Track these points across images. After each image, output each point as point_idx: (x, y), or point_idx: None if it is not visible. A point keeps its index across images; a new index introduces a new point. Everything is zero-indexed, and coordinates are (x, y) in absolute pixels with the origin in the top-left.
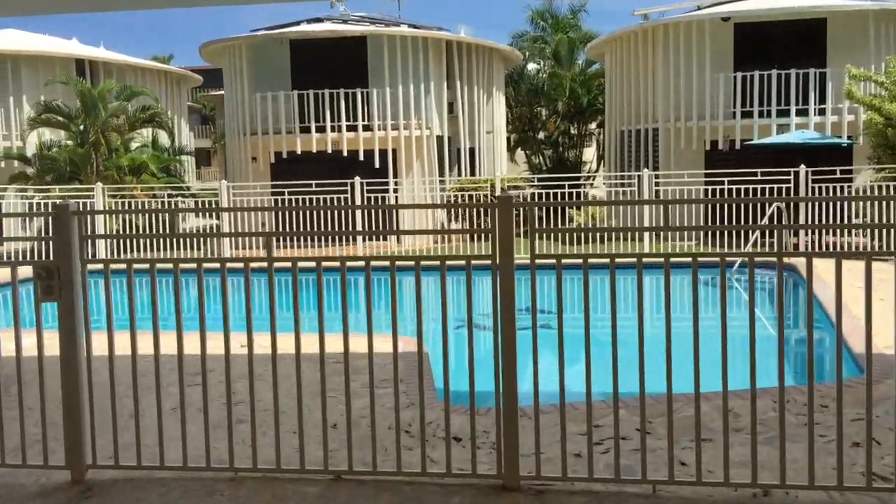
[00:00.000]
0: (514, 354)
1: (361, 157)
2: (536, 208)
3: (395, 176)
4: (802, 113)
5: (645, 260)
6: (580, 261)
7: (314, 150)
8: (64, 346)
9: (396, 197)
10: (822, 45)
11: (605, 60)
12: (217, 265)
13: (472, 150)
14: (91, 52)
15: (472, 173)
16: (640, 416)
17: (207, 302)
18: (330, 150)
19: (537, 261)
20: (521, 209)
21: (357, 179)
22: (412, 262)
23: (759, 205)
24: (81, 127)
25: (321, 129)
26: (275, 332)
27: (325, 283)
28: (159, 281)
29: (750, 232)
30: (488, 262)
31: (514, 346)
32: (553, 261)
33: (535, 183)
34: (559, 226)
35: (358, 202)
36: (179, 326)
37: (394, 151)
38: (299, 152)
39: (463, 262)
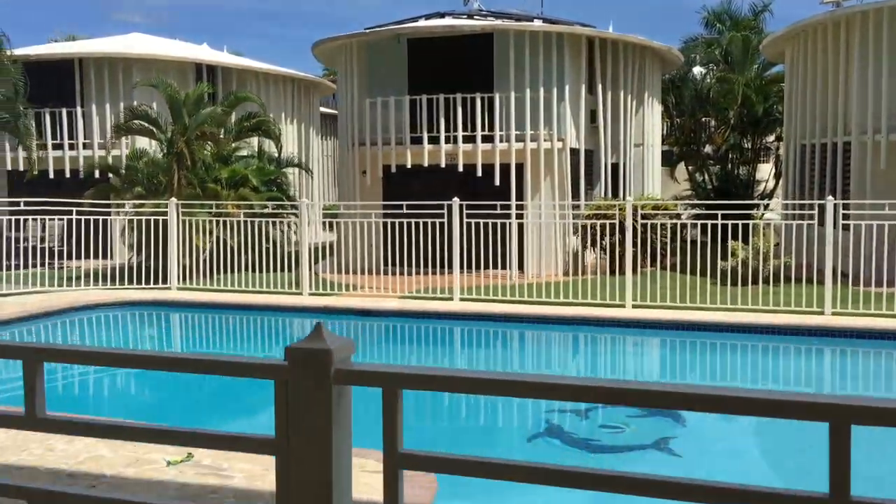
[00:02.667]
0: None
1: (479, 173)
2: (690, 239)
3: (520, 196)
4: None
5: None
6: None
7: (426, 164)
8: None
9: (520, 223)
10: None
11: (786, 60)
12: None
13: (614, 166)
14: (214, 56)
15: (615, 194)
16: None
17: None
18: (443, 164)
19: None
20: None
21: (455, 201)
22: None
23: None
24: (168, 135)
25: (434, 140)
26: None
27: None
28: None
29: None
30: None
31: None
32: None
33: (693, 202)
34: (718, 258)
35: (455, 228)
36: None
37: (518, 167)
38: (409, 166)
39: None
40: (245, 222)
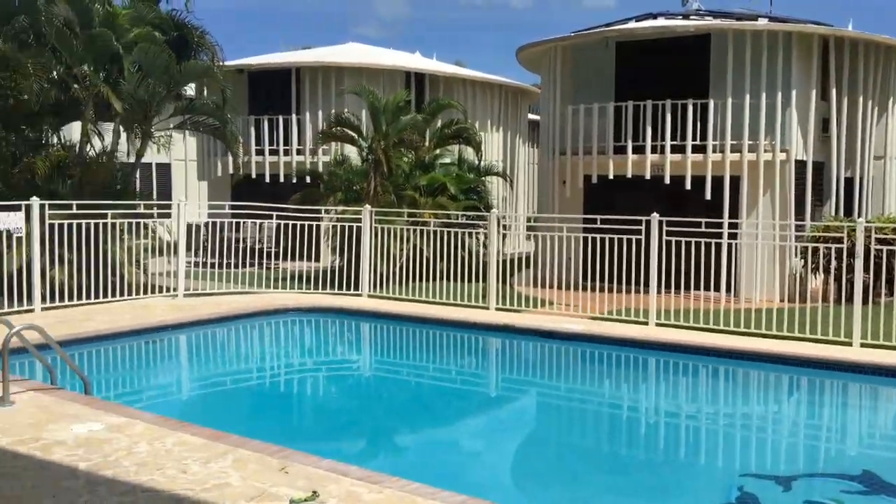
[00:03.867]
0: None
1: (688, 185)
2: None
3: (734, 212)
4: None
5: None
6: None
7: (629, 175)
8: None
9: (736, 244)
10: None
11: None
12: None
13: (848, 181)
14: (423, 64)
15: (848, 213)
16: None
17: None
18: (648, 176)
19: None
20: None
21: (654, 217)
22: None
23: None
24: (368, 142)
25: (639, 150)
26: None
27: None
28: None
29: None
30: None
31: None
32: None
33: None
34: None
35: (654, 246)
36: None
37: (733, 180)
38: (611, 177)
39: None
40: (440, 231)
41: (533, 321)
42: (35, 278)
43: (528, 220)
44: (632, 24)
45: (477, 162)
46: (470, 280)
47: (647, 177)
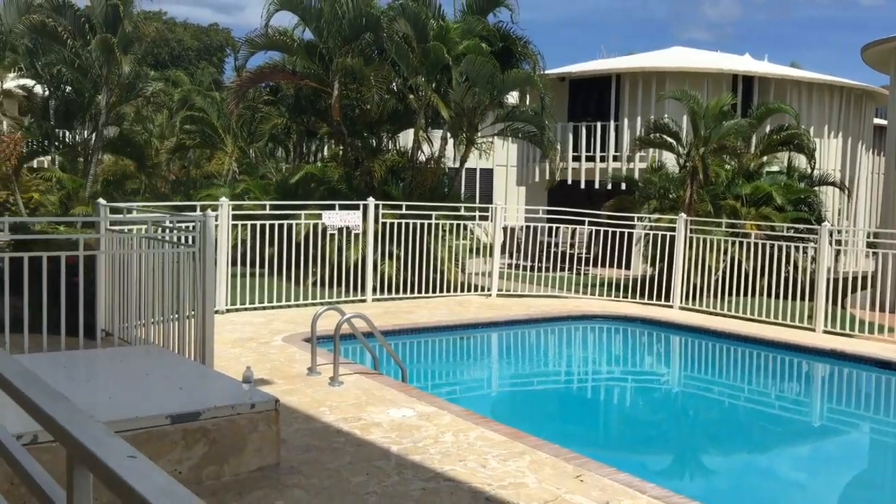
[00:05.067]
0: None
1: None
2: None
3: None
4: None
5: None
6: None
7: None
8: None
9: None
10: None
11: None
12: None
13: None
14: (751, 66)
15: None
16: None
17: None
18: None
19: None
20: None
21: None
22: None
23: None
24: (686, 149)
25: None
26: None
27: None
28: None
29: None
30: None
31: None
32: None
33: None
34: None
35: None
36: None
37: None
38: None
39: None
40: (763, 243)
41: (867, 348)
42: (368, 272)
43: (868, 235)
44: None
45: (809, 171)
46: (794, 299)
47: None
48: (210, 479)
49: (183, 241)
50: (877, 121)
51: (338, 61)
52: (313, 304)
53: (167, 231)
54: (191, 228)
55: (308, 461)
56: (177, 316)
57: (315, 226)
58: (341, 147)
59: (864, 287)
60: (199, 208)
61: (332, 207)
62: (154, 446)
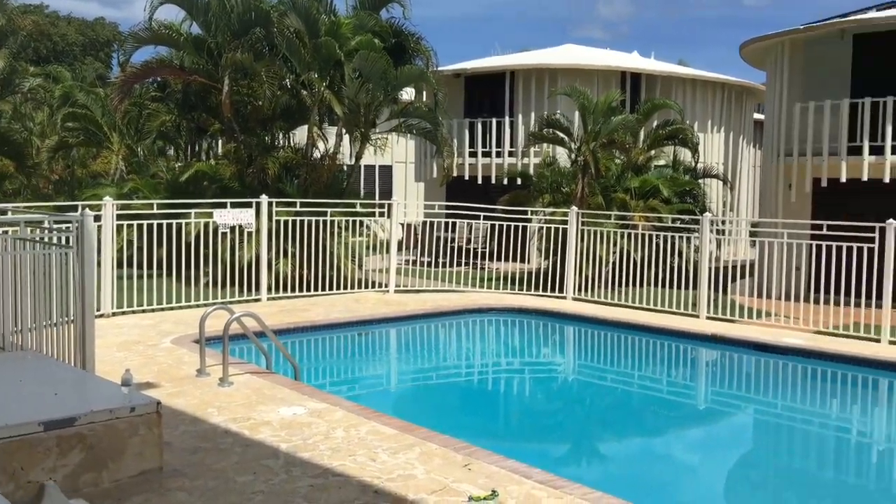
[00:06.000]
0: None
1: None
2: None
3: None
4: None
5: None
6: None
7: (864, 178)
8: None
9: None
10: None
11: None
12: None
13: None
14: (639, 64)
15: None
16: None
17: None
18: (887, 179)
19: None
20: None
21: (891, 223)
22: None
23: None
24: (577, 143)
25: (877, 151)
26: None
27: None
28: None
29: None
30: None
31: None
32: None
33: None
34: None
35: (889, 255)
36: None
37: None
38: (843, 180)
39: None
40: (650, 235)
41: (747, 332)
42: (262, 270)
43: (750, 224)
44: (872, 14)
45: (694, 164)
46: (680, 287)
47: (887, 180)
48: (88, 486)
49: (60, 241)
50: (756, 116)
51: (227, 56)
52: (205, 305)
53: (45, 232)
54: (69, 229)
55: (193, 463)
56: (56, 321)
57: (206, 225)
58: (233, 144)
59: (747, 275)
60: (81, 208)
61: (223, 206)
62: (26, 454)
